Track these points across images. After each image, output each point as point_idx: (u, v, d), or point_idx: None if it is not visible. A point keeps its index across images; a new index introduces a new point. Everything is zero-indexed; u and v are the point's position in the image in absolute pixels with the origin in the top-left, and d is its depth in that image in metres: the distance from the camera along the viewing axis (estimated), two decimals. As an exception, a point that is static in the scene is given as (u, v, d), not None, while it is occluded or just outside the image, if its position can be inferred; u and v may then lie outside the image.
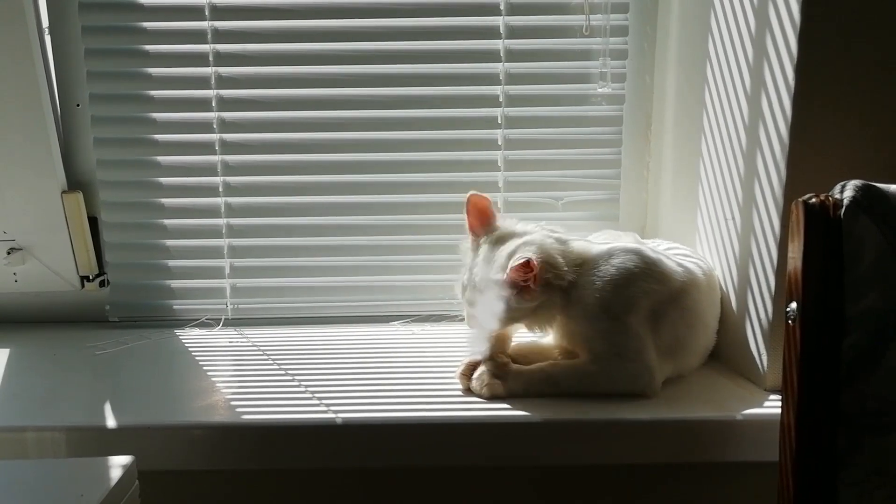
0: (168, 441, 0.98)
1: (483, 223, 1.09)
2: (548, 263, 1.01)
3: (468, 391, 1.04)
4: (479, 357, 1.05)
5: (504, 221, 1.09)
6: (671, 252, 1.13)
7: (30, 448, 0.97)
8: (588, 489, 1.11)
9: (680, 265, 1.07)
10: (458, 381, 1.06)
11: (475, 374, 1.03)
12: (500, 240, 1.05)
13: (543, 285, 1.00)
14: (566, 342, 1.05)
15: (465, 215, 1.09)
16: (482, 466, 1.07)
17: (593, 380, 1.01)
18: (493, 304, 1.01)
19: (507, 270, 0.98)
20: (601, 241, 1.12)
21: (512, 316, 1.02)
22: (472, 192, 1.09)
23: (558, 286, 1.01)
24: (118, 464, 0.81)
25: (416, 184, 1.33)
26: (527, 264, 0.97)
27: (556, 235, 1.06)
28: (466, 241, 1.11)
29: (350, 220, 1.34)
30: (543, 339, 1.11)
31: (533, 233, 1.06)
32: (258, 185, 1.32)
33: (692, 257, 1.13)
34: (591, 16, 1.27)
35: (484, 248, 1.06)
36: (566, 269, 1.01)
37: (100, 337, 1.28)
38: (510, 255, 1.00)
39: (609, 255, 1.04)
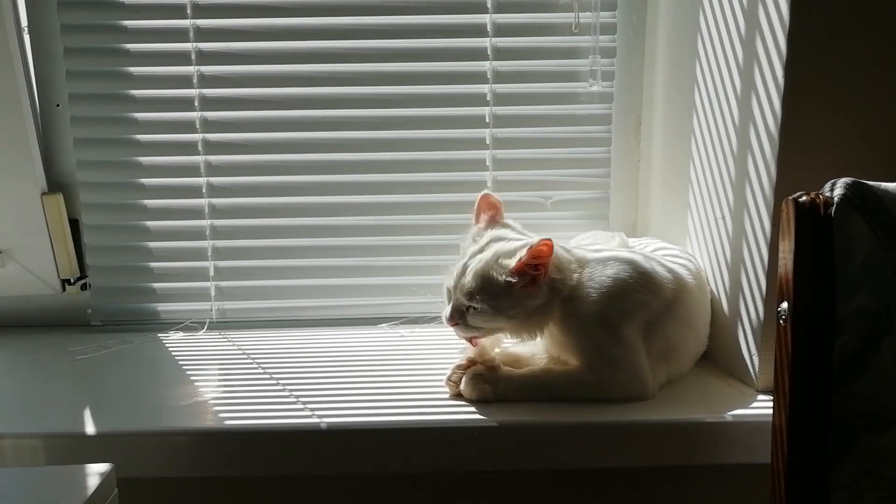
0: (149, 448, 0.96)
1: (491, 219, 1.08)
2: (556, 267, 1.00)
3: (457, 397, 1.02)
4: (467, 361, 1.04)
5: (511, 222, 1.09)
6: (659, 253, 1.12)
7: (7, 455, 0.95)
8: (579, 492, 1.10)
9: (670, 271, 1.06)
10: (445, 386, 1.04)
11: (464, 378, 1.01)
12: (503, 237, 1.04)
13: (549, 286, 0.99)
14: (556, 350, 1.04)
15: (474, 208, 1.09)
16: (471, 471, 1.05)
17: (587, 388, 1.01)
18: (494, 298, 0.98)
19: (525, 252, 0.96)
20: (592, 245, 1.11)
21: (511, 313, 0.99)
22: (486, 192, 1.09)
23: (560, 291, 1.00)
24: (96, 471, 0.79)
25: (403, 183, 1.32)
26: (545, 247, 0.96)
27: (560, 244, 1.04)
28: (469, 230, 1.09)
29: (336, 220, 1.32)
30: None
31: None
32: (242, 185, 1.30)
33: (680, 258, 1.12)
34: (579, 13, 1.26)
35: (486, 239, 1.04)
36: (573, 275, 1.01)
37: (81, 341, 1.25)
38: (524, 246, 0.98)
39: (604, 264, 1.03)
